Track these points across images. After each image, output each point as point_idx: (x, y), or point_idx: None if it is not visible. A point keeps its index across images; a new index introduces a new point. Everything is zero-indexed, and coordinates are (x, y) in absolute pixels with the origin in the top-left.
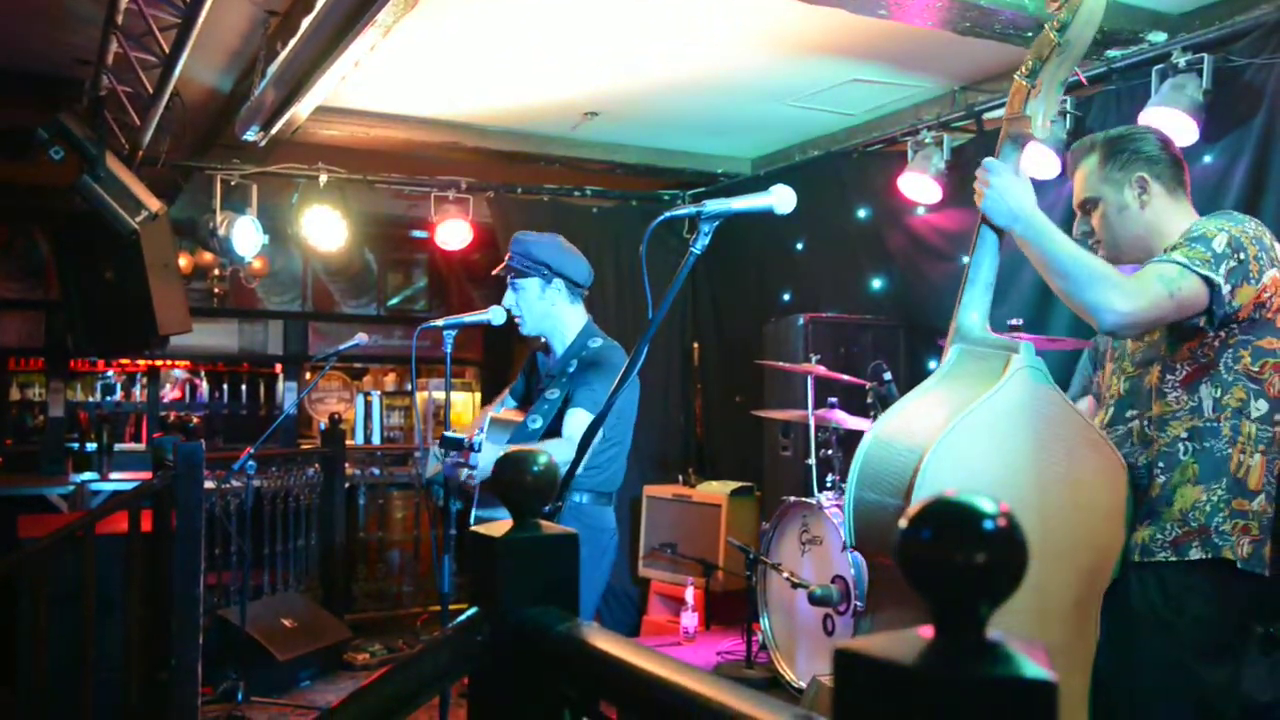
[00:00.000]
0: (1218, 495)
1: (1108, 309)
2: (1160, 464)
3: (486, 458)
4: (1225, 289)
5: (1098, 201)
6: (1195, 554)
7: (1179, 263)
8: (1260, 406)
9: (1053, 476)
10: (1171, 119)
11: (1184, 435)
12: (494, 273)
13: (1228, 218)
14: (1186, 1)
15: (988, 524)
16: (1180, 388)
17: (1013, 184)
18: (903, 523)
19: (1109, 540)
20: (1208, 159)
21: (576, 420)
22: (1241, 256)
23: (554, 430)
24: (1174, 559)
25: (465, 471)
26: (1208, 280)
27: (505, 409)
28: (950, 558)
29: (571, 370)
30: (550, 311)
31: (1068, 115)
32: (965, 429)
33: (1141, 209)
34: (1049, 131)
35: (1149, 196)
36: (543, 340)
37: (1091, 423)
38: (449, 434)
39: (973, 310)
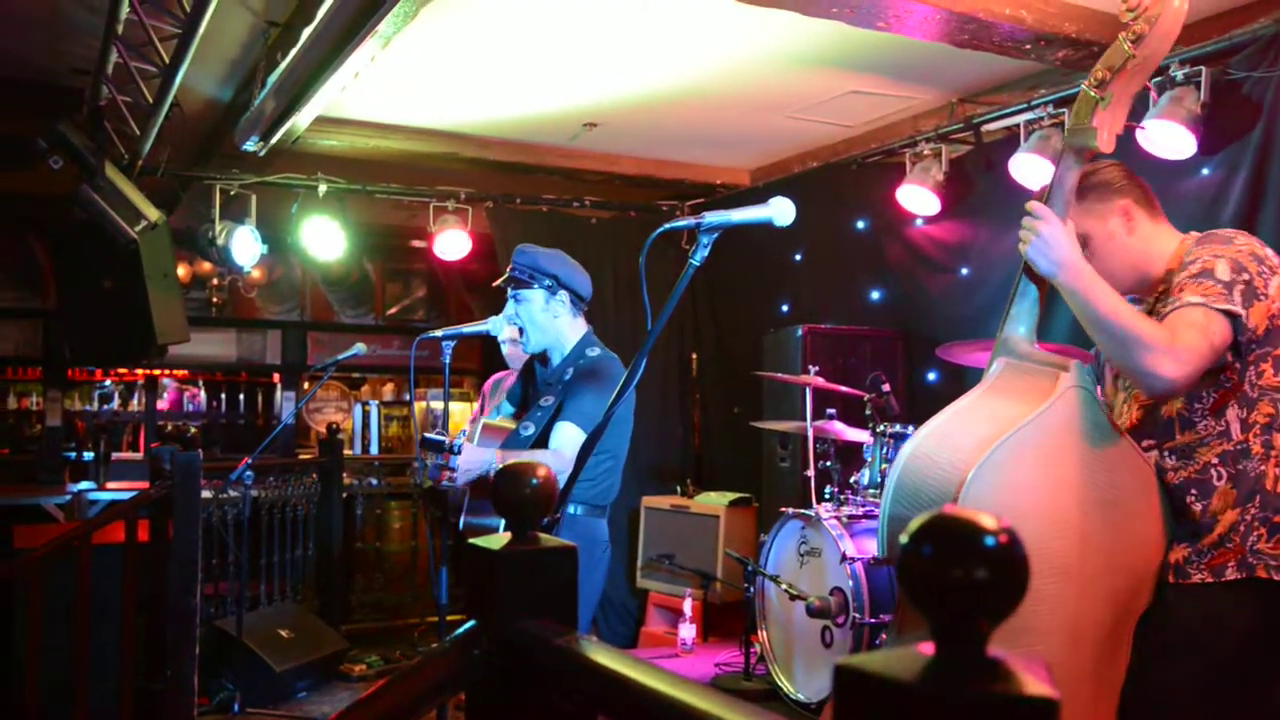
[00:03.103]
0: (1252, 514)
1: (1157, 376)
2: (1193, 491)
3: (467, 459)
4: (1244, 316)
5: (1086, 239)
6: (1231, 574)
7: (1199, 303)
8: None
9: (1095, 499)
10: (1169, 131)
11: (1215, 461)
12: (495, 284)
13: (1217, 240)
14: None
15: (989, 540)
16: (1209, 415)
17: (1060, 234)
18: (903, 538)
19: (1147, 566)
20: (1205, 172)
21: (563, 434)
22: (1245, 277)
23: (546, 436)
24: (1210, 580)
25: (448, 474)
26: (1229, 314)
27: (500, 416)
28: (950, 574)
29: (568, 378)
30: (552, 324)
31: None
32: (1010, 448)
33: (1129, 234)
34: (1113, 146)
35: (1134, 222)
36: (543, 351)
37: (1138, 448)
38: (429, 435)
39: (1020, 325)
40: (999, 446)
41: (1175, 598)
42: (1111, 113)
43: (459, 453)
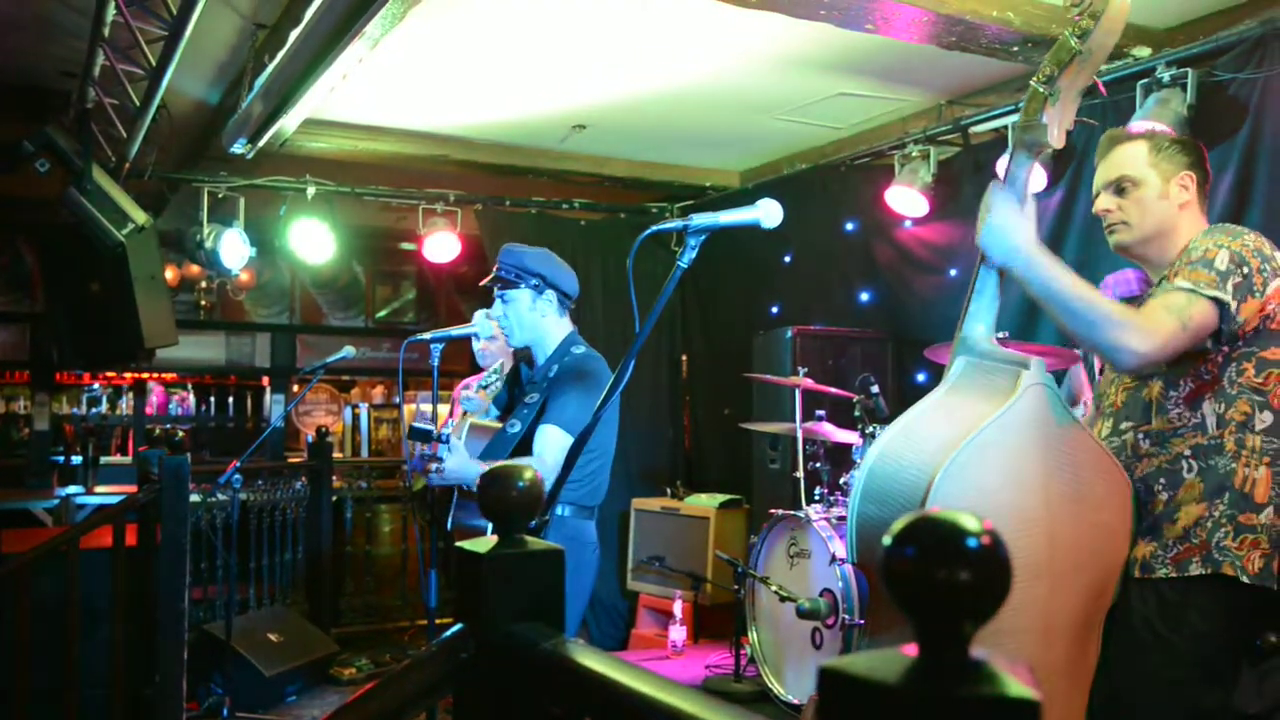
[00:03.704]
0: (1220, 510)
1: (1124, 350)
2: (1162, 480)
3: (453, 465)
4: (1233, 306)
5: (1139, 182)
6: (1195, 570)
7: (1185, 289)
8: (1265, 419)
9: (1061, 496)
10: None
11: (1187, 453)
12: (482, 284)
13: (1224, 232)
14: (1170, 16)
15: (971, 542)
16: (1183, 404)
17: (1011, 218)
18: (886, 539)
19: (1114, 559)
20: None
21: (546, 437)
22: (1245, 271)
23: (532, 434)
24: (1174, 575)
25: (435, 466)
26: (1216, 300)
27: (487, 418)
28: (934, 575)
29: (552, 375)
30: (539, 323)
31: None
32: (976, 448)
33: (1180, 207)
34: (1064, 142)
35: (1189, 197)
36: (528, 351)
37: (1099, 441)
38: (416, 425)
39: (979, 322)
40: (963, 449)
41: (1139, 593)
42: (1060, 108)
43: (447, 441)
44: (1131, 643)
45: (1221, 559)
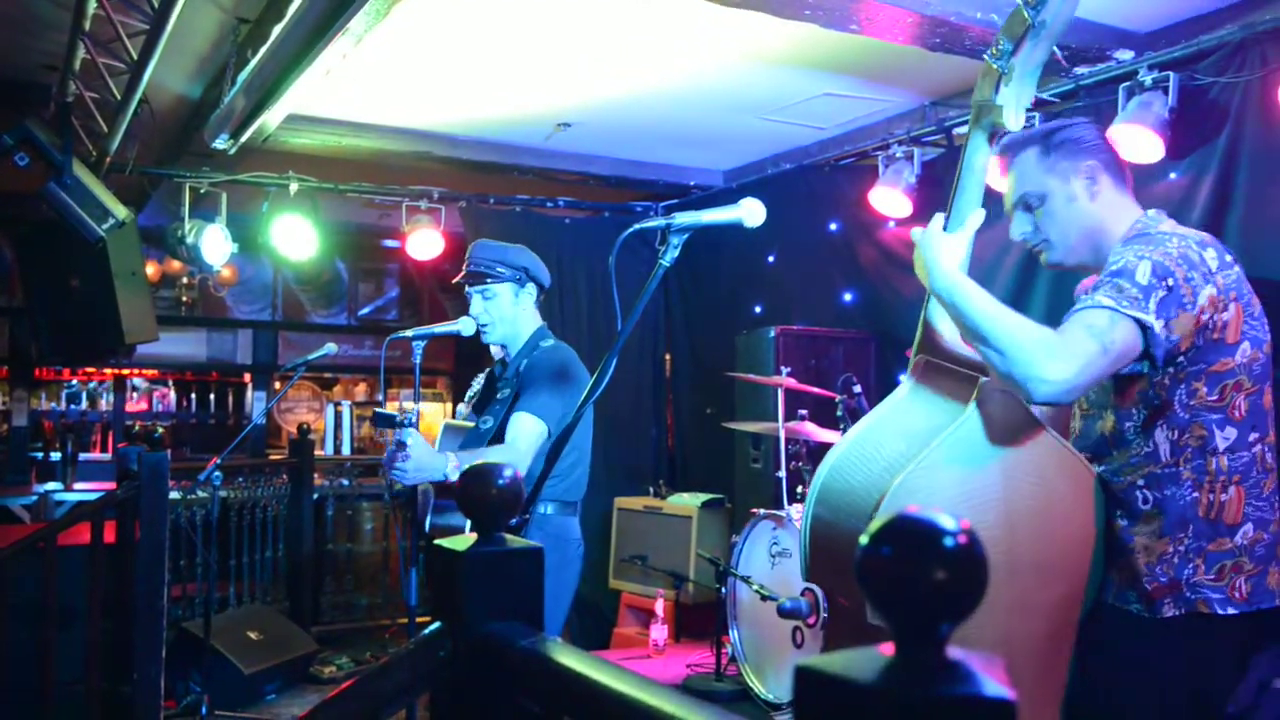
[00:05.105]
0: (1185, 544)
1: (1038, 379)
2: (1118, 510)
3: (420, 458)
4: (1158, 326)
5: (1043, 196)
6: (1169, 611)
7: (1106, 307)
8: (1229, 435)
9: (1022, 510)
10: (1138, 136)
11: (1140, 483)
12: (454, 280)
13: (1145, 240)
14: (1153, 20)
15: (948, 541)
16: (1139, 434)
17: (927, 239)
18: (863, 539)
19: (1084, 567)
20: (1173, 176)
21: (518, 425)
22: (1170, 282)
23: (504, 429)
24: (1147, 615)
25: (402, 456)
26: (1139, 322)
27: (461, 418)
28: (910, 575)
29: (523, 369)
30: (519, 317)
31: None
32: (924, 470)
33: (1092, 200)
34: (1021, 123)
35: (1099, 187)
36: (501, 348)
37: (1065, 442)
38: (381, 410)
39: (944, 319)
40: (911, 472)
41: (1112, 621)
42: (1016, 87)
43: (413, 425)
44: (1114, 664)
45: (1195, 597)
